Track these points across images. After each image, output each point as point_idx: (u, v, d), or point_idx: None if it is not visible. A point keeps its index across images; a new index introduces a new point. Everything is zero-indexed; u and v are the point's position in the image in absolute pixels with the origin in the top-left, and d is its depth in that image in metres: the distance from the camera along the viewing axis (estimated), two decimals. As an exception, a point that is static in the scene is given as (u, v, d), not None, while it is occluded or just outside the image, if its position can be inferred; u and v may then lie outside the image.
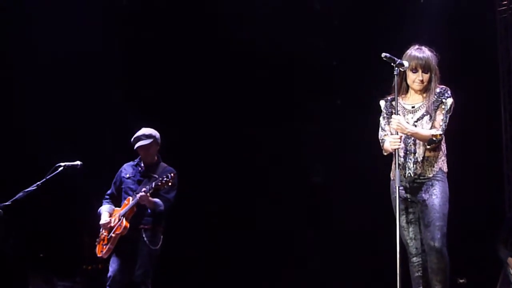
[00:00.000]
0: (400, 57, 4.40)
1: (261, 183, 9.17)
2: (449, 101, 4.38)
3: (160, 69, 9.06)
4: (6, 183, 6.55)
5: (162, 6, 8.96)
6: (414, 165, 4.38)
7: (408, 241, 4.46)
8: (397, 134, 4.36)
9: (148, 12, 8.94)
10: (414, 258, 4.48)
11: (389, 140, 4.43)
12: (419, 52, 4.42)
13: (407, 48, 4.49)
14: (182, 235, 8.21)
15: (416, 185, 4.39)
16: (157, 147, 5.73)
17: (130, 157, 5.85)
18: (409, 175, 4.39)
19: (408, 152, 4.41)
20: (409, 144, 4.41)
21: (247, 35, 8.66)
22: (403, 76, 4.48)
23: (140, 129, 5.70)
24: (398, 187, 4.28)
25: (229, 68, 9.11)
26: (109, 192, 5.84)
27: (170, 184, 5.37)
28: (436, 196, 4.33)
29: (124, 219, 5.49)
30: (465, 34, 8.07)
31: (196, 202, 8.74)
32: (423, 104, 4.44)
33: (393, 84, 4.38)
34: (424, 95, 4.45)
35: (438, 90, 4.41)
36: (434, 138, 4.31)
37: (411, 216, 4.45)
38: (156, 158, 5.74)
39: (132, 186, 5.65)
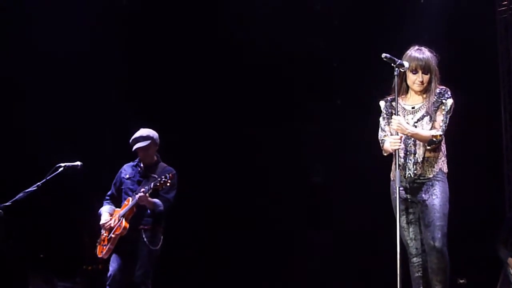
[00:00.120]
0: (400, 58, 4.39)
1: (261, 183, 9.17)
2: (449, 101, 4.38)
3: (160, 69, 9.06)
4: (6, 183, 6.56)
5: (162, 6, 8.96)
6: (414, 166, 4.38)
7: (408, 241, 4.46)
8: (397, 134, 4.36)
9: (148, 12, 8.94)
10: (414, 259, 4.47)
11: (389, 140, 4.42)
12: (419, 53, 4.41)
13: (407, 49, 4.48)
14: (182, 235, 8.21)
15: (416, 186, 4.39)
16: (156, 148, 5.72)
17: (130, 158, 5.85)
18: (409, 175, 4.39)
19: (408, 153, 4.41)
20: (409, 145, 4.41)
21: (247, 35, 8.67)
22: (403, 76, 4.47)
23: (138, 130, 5.70)
24: (398, 187, 4.28)
25: (229, 68, 9.11)
26: (109, 193, 5.84)
27: (169, 184, 5.37)
28: (436, 196, 4.33)
29: (123, 219, 5.49)
30: (465, 34, 8.07)
31: (196, 202, 8.74)
32: (423, 105, 4.43)
33: (393, 85, 4.37)
34: (424, 96, 4.45)
35: (438, 90, 4.41)
36: (434, 139, 4.30)
37: (411, 216, 4.45)
38: (155, 158, 5.74)
39: (131, 187, 5.66)
